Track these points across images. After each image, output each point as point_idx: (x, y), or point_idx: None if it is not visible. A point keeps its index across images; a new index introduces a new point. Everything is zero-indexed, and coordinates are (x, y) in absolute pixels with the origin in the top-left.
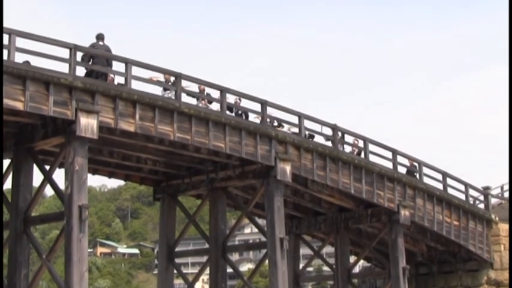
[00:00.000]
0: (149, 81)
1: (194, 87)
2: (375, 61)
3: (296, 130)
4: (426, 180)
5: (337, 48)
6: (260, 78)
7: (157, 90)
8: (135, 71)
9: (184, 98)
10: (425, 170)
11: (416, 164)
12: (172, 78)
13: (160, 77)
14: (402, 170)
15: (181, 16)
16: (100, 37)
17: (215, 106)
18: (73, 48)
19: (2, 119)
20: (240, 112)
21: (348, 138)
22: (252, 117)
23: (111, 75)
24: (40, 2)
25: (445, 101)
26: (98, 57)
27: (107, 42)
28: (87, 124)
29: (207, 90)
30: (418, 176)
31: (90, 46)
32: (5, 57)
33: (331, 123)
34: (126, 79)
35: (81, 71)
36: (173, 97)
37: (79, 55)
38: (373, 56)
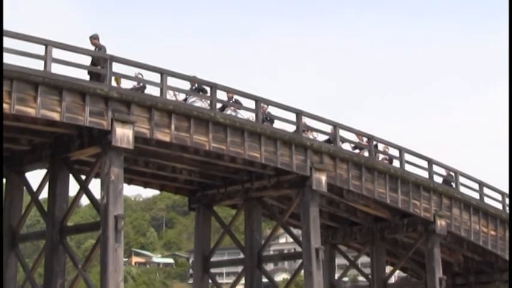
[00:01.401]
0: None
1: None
2: (410, 69)
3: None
4: (462, 189)
5: (371, 57)
6: (291, 87)
7: None
8: (170, 81)
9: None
10: (461, 179)
11: (452, 174)
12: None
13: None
14: (438, 180)
15: (216, 26)
16: (95, 37)
17: (244, 113)
18: (109, 59)
19: (2, 123)
20: (267, 118)
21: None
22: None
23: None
24: (73, 14)
25: (482, 108)
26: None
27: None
28: (123, 134)
29: (237, 98)
30: (454, 186)
31: (97, 49)
32: (41, 67)
33: (366, 133)
34: (161, 89)
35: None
36: (196, 103)
37: (115, 66)
38: (408, 63)
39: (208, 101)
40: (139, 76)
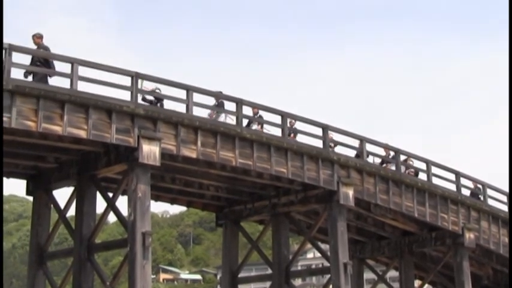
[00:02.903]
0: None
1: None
2: (437, 85)
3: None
4: (491, 202)
5: (399, 72)
6: (320, 103)
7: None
8: (196, 97)
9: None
10: (489, 191)
11: (480, 186)
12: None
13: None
14: (466, 192)
15: (241, 41)
16: (38, 36)
17: (270, 128)
18: (134, 76)
19: (2, 131)
20: (289, 133)
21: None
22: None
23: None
24: (97, 32)
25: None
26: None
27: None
28: (150, 151)
29: (265, 115)
30: (482, 198)
31: (40, 48)
32: (68, 85)
33: (393, 146)
34: (187, 106)
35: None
36: (221, 118)
37: (144, 84)
38: (435, 79)
39: (231, 116)
40: (158, 91)
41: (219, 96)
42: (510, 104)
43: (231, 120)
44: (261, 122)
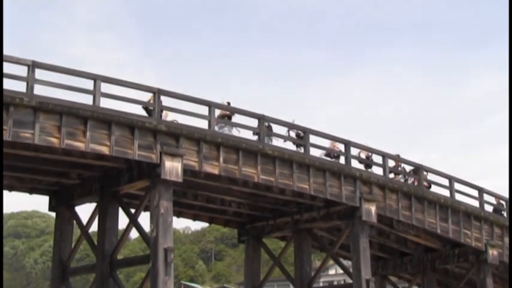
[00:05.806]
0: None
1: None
2: (457, 103)
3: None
4: None
5: (421, 90)
6: (340, 121)
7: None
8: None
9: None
10: None
11: (503, 202)
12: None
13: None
14: (489, 209)
15: (265, 62)
16: None
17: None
18: (157, 92)
19: (1, 143)
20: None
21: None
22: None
23: None
24: (128, 48)
25: None
26: None
27: None
28: (172, 167)
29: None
30: (505, 214)
31: None
32: (90, 102)
33: (414, 162)
34: (209, 122)
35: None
36: (228, 132)
37: (163, 99)
38: (457, 97)
39: (238, 128)
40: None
41: (240, 112)
42: (510, 104)
43: (238, 132)
44: (270, 133)
